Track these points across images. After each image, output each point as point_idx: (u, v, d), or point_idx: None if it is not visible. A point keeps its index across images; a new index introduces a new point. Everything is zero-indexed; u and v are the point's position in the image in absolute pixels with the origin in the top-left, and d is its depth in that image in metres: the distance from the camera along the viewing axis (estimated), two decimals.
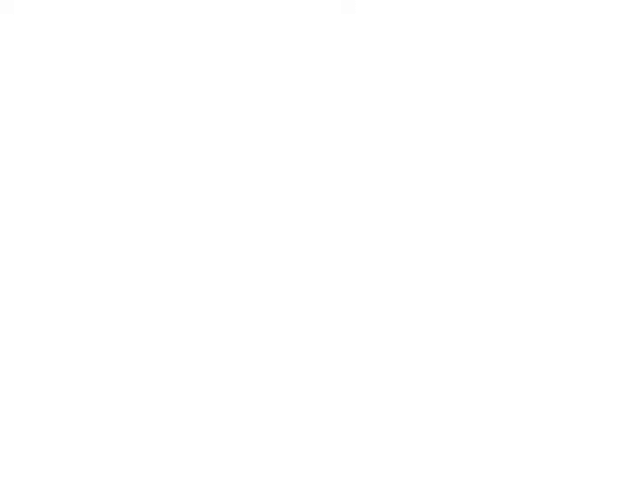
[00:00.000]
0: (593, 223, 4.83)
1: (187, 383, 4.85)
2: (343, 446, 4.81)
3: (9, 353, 4.86)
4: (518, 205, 4.86)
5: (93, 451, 4.83)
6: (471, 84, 4.90)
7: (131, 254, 4.90)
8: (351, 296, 4.86)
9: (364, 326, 4.85)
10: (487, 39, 4.89)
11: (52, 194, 4.91)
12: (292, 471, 4.81)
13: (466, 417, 4.80)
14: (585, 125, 4.87)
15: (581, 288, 4.81)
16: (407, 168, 4.90)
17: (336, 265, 4.88)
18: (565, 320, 4.81)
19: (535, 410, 4.78)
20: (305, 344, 4.86)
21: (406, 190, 4.89)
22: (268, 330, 4.86)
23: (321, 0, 4.92)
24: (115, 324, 4.87)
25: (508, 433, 4.77)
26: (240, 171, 4.93)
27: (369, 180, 4.89)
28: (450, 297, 4.84)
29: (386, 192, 4.89)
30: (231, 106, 4.94)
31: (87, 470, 4.82)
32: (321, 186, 4.91)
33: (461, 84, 4.90)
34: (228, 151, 4.93)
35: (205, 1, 4.95)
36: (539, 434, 4.77)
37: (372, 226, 4.88)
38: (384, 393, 4.83)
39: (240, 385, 4.85)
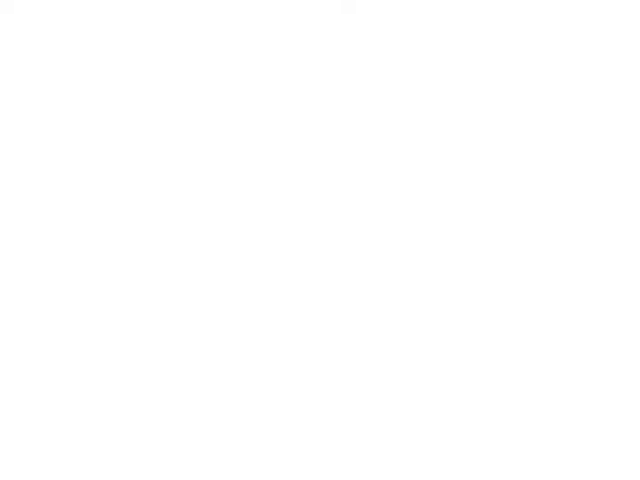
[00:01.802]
0: (593, 223, 4.83)
1: (187, 383, 4.85)
2: (343, 446, 4.81)
3: (9, 353, 4.86)
4: (518, 205, 4.86)
5: (93, 451, 4.83)
6: (471, 84, 4.90)
7: (131, 253, 4.90)
8: (351, 296, 4.86)
9: (364, 326, 4.85)
10: (487, 39, 4.89)
11: (52, 194, 4.91)
12: (292, 471, 4.81)
13: (466, 417, 4.80)
14: (585, 125, 4.87)
15: (581, 288, 4.82)
16: (407, 168, 4.90)
17: (336, 265, 4.88)
18: (565, 320, 4.81)
19: (535, 410, 4.78)
20: (305, 344, 4.86)
21: (406, 190, 4.89)
22: (268, 330, 4.86)
23: (321, 0, 4.92)
24: (115, 324, 4.88)
25: (508, 433, 4.78)
26: (240, 171, 4.93)
27: (369, 180, 4.89)
28: (450, 297, 4.84)
29: (386, 192, 4.89)
30: (231, 106, 4.94)
31: (87, 470, 4.82)
32: (321, 186, 4.91)
33: (461, 84, 4.90)
34: (228, 151, 4.93)
35: (205, 1, 4.95)
36: (539, 434, 4.77)
37: (372, 225, 4.88)
38: (384, 393, 4.83)
39: (240, 385, 4.85)
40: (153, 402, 4.85)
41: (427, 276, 4.86)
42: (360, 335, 4.85)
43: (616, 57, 4.87)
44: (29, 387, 4.85)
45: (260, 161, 4.92)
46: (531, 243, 4.85)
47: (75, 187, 4.93)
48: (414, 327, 4.84)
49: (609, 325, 4.79)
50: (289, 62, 4.93)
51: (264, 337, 4.86)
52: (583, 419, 4.76)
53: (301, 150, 4.91)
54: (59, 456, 4.83)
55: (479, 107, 4.89)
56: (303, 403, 4.84)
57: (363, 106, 4.92)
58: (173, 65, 4.95)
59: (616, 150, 4.85)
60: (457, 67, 4.90)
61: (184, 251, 4.90)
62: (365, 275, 4.87)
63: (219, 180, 4.92)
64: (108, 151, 4.94)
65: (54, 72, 4.95)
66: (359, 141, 4.91)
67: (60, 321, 4.87)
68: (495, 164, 4.88)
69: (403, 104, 4.92)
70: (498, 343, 4.82)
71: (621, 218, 4.82)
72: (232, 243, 4.90)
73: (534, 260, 4.84)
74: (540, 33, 4.88)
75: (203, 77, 4.94)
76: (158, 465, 4.82)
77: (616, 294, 4.80)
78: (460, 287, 4.84)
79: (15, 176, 4.92)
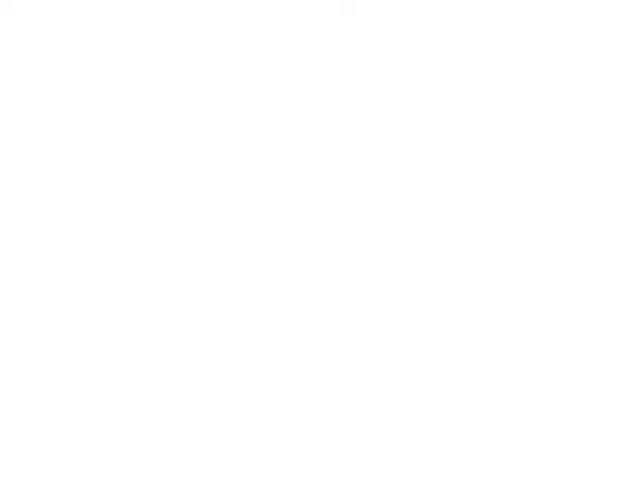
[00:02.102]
0: (593, 223, 4.83)
1: (187, 383, 4.85)
2: (343, 446, 4.81)
3: (9, 353, 4.86)
4: (518, 205, 4.86)
5: (93, 451, 4.83)
6: (471, 84, 4.90)
7: (131, 254, 4.90)
8: (351, 296, 4.86)
9: (364, 326, 4.85)
10: (487, 39, 4.89)
11: (52, 194, 4.91)
12: (292, 471, 4.81)
13: (466, 417, 4.80)
14: (585, 125, 4.87)
15: (581, 288, 4.82)
16: (407, 168, 4.90)
17: (336, 265, 4.88)
18: (565, 320, 4.81)
19: (535, 410, 4.78)
20: (305, 344, 4.86)
21: (406, 190, 4.89)
22: (268, 330, 4.87)
23: (321, 0, 4.91)
24: (115, 324, 4.88)
25: (508, 433, 4.78)
26: (240, 171, 4.93)
27: (369, 180, 4.89)
28: (450, 297, 4.84)
29: (386, 192, 4.89)
30: (231, 106, 4.94)
31: (87, 470, 4.82)
32: (321, 186, 4.91)
33: (461, 84, 4.90)
34: (228, 151, 4.93)
35: (205, 1, 4.95)
36: (539, 434, 4.77)
37: (372, 226, 4.88)
38: (384, 393, 4.83)
39: (240, 385, 4.85)
40: (153, 402, 4.85)
41: (427, 276, 4.86)
42: (360, 335, 4.85)
43: (616, 57, 4.87)
44: (29, 387, 4.86)
45: (260, 161, 4.92)
46: (531, 243, 4.85)
47: (75, 187, 4.93)
48: (414, 327, 4.84)
49: (609, 325, 4.79)
50: (289, 62, 4.93)
51: (264, 337, 4.87)
52: (583, 419, 4.77)
53: (301, 150, 4.91)
54: (59, 456, 4.83)
55: (479, 107, 4.89)
56: (303, 403, 4.84)
57: (363, 106, 4.91)
58: (173, 65, 4.94)
59: (616, 150, 4.85)
60: (457, 67, 4.90)
61: (184, 251, 4.90)
62: (365, 275, 4.87)
63: (219, 179, 4.92)
64: (108, 151, 4.94)
65: (54, 72, 4.95)
66: (359, 141, 4.91)
67: (60, 321, 4.87)
68: (495, 163, 4.88)
69: (403, 104, 4.91)
70: (498, 343, 4.82)
71: (621, 218, 4.82)
72: (232, 242, 4.90)
73: (534, 260, 4.84)
74: (540, 33, 4.88)
75: (203, 77, 4.94)
76: (158, 465, 4.82)
77: (616, 294, 4.80)
78: (460, 287, 4.84)
79: (15, 176, 4.92)
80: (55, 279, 4.89)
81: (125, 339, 4.87)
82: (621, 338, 4.78)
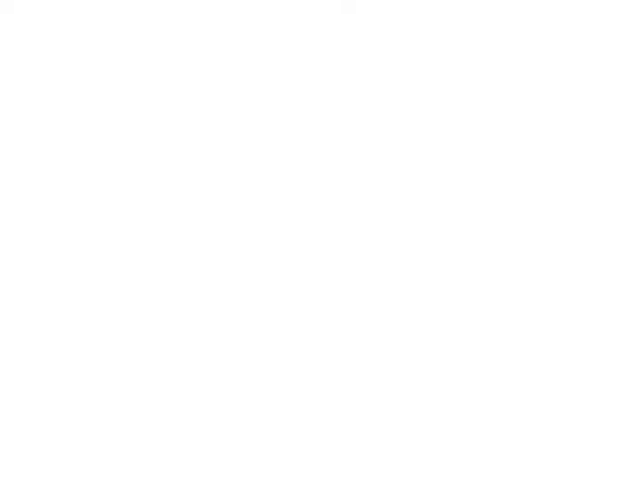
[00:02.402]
0: (593, 223, 4.83)
1: (187, 383, 4.85)
2: (343, 446, 4.82)
3: (9, 353, 4.86)
4: (518, 205, 4.86)
5: (93, 451, 4.83)
6: (471, 84, 4.90)
7: (131, 254, 4.90)
8: (351, 296, 4.86)
9: (364, 326, 4.85)
10: (487, 39, 4.89)
11: (52, 194, 4.92)
12: (292, 471, 4.81)
13: (466, 417, 4.80)
14: (585, 125, 4.87)
15: (581, 288, 4.82)
16: (407, 168, 4.90)
17: (336, 265, 4.88)
18: (565, 320, 4.81)
19: (535, 410, 4.79)
20: (305, 344, 4.86)
21: (406, 190, 4.89)
22: (268, 330, 4.87)
23: (321, 0, 4.92)
24: (115, 324, 4.88)
25: (508, 433, 4.78)
26: (240, 171, 4.93)
27: (369, 180, 4.89)
28: (450, 297, 4.84)
29: (386, 192, 4.90)
30: (231, 106, 4.94)
31: (87, 470, 4.82)
32: (321, 186, 4.91)
33: (461, 84, 4.90)
34: (228, 151, 4.93)
35: (205, 1, 4.95)
36: (539, 434, 4.78)
37: (372, 226, 4.88)
38: (384, 393, 4.83)
39: (240, 385, 4.85)
40: (153, 402, 4.85)
41: (427, 276, 4.86)
42: (360, 335, 4.85)
43: (616, 57, 4.87)
44: (29, 387, 4.86)
45: (260, 161, 4.92)
46: (531, 243, 4.85)
47: (75, 187, 4.93)
48: (414, 327, 4.84)
49: (609, 325, 4.79)
50: (289, 62, 4.93)
51: (264, 337, 4.87)
52: (583, 419, 4.77)
53: (301, 150, 4.91)
54: (59, 456, 4.83)
55: (479, 107, 4.89)
56: (303, 403, 4.84)
57: (363, 106, 4.92)
58: (173, 65, 4.95)
59: (616, 150, 4.85)
60: (457, 67, 4.90)
61: (184, 251, 4.90)
62: (365, 275, 4.87)
63: (219, 180, 4.92)
64: (108, 151, 4.94)
65: (54, 72, 4.95)
66: (359, 141, 4.91)
67: (60, 321, 4.88)
68: (495, 164, 4.88)
69: (403, 104, 4.92)
70: (498, 343, 4.82)
71: (621, 218, 4.83)
72: (232, 243, 4.90)
73: (534, 260, 4.84)
74: (540, 33, 4.88)
75: (203, 77, 4.94)
76: (158, 465, 4.82)
77: (616, 294, 4.80)
78: (460, 287, 4.84)
79: (15, 176, 4.93)
80: (55, 278, 4.89)
81: (125, 338, 4.87)
82: (621, 338, 4.78)
